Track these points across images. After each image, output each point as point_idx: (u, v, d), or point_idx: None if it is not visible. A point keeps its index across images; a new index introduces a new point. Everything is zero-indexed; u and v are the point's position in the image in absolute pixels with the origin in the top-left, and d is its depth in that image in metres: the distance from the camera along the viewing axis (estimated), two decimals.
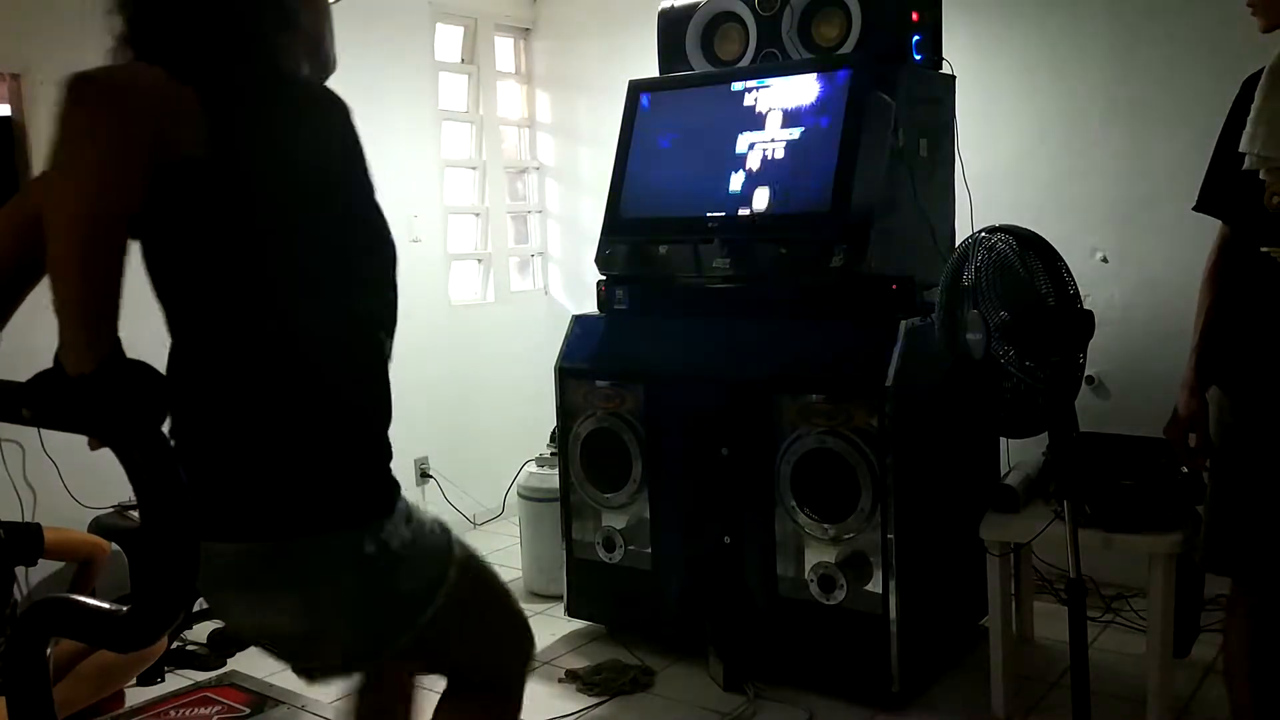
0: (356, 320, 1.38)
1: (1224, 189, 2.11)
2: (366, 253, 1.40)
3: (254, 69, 1.34)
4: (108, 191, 1.11)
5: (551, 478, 3.56)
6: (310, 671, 1.49)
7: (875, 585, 2.75)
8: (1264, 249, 2.00)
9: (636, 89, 3.36)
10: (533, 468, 3.83)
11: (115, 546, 3.07)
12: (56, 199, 1.11)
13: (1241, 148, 1.95)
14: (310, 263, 1.33)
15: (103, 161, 1.11)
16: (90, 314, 1.12)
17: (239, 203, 1.28)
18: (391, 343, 1.44)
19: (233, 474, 1.34)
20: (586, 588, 3.34)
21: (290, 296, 1.32)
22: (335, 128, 1.32)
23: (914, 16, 3.05)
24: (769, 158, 2.99)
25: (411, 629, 1.42)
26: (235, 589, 1.37)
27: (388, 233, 1.42)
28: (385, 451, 1.41)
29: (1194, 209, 2.21)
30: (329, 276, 1.34)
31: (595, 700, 2.95)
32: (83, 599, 1.34)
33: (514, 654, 1.64)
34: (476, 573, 1.55)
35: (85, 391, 1.12)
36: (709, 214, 3.05)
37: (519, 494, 3.85)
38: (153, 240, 1.31)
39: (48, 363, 1.16)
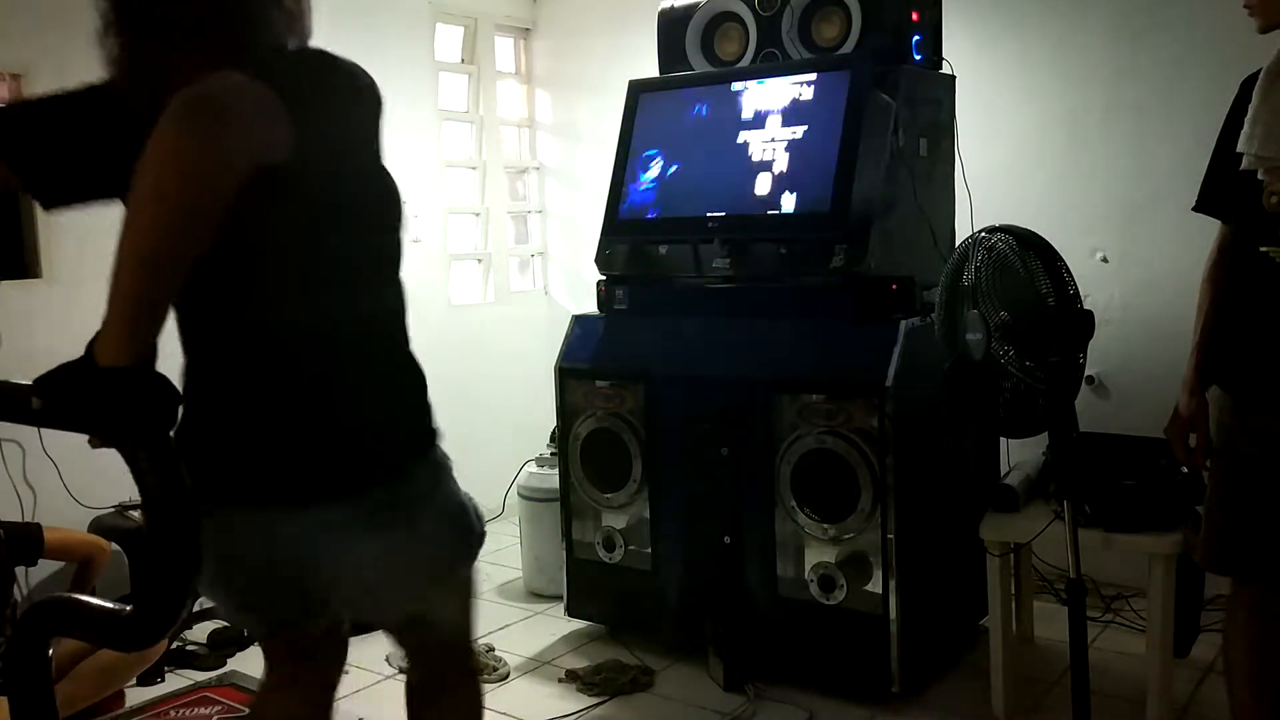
0: (375, 295, 1.48)
1: (1223, 189, 2.11)
2: (383, 233, 1.48)
3: (281, 52, 1.37)
4: (199, 211, 1.12)
5: (551, 478, 3.56)
6: (404, 605, 1.57)
7: (875, 585, 2.75)
8: (1263, 249, 2.00)
9: (636, 89, 3.36)
10: (533, 468, 3.83)
11: (115, 546, 3.07)
12: (149, 192, 1.11)
13: (1239, 148, 1.95)
14: (353, 248, 1.41)
15: (204, 182, 1.12)
16: (144, 310, 1.13)
17: (301, 201, 1.31)
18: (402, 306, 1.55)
19: (325, 441, 1.41)
20: (586, 588, 3.34)
21: (338, 279, 1.40)
22: (374, 112, 1.39)
23: (914, 16, 3.05)
24: (769, 158, 2.99)
25: (478, 550, 1.59)
26: (356, 540, 1.42)
27: (398, 206, 1.50)
28: (423, 398, 1.56)
29: (1193, 209, 2.21)
30: (370, 258, 1.45)
31: (595, 700, 2.95)
32: (85, 598, 1.34)
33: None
34: None
35: (113, 384, 1.12)
36: (709, 214, 3.05)
37: (519, 494, 3.85)
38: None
39: (48, 364, 1.16)
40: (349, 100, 1.36)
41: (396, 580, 1.49)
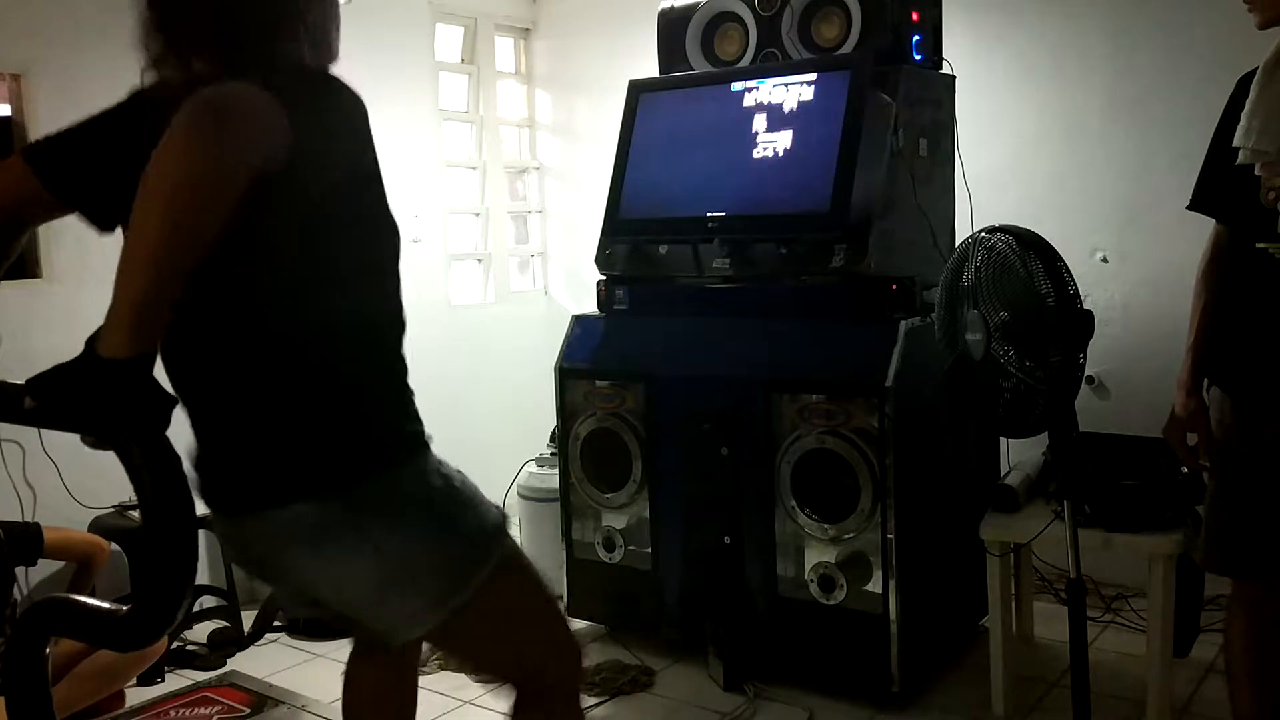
0: (372, 296, 1.47)
1: (1219, 187, 2.11)
2: (383, 243, 1.48)
3: (294, 66, 1.39)
4: (210, 211, 1.14)
5: (551, 478, 3.56)
6: (391, 626, 1.49)
7: (875, 585, 2.75)
8: (1260, 245, 2.00)
9: (636, 89, 3.36)
10: (533, 468, 3.83)
11: (115, 546, 3.07)
12: (161, 193, 1.13)
13: (1236, 141, 1.94)
14: (343, 252, 1.41)
15: (217, 184, 1.14)
16: (152, 306, 1.13)
17: (292, 207, 1.32)
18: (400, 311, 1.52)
19: (289, 440, 1.38)
20: (586, 588, 3.34)
21: (326, 277, 1.40)
22: (364, 126, 1.38)
23: (914, 16, 3.05)
24: (769, 158, 2.99)
25: (478, 574, 1.45)
26: (321, 546, 1.39)
27: (394, 222, 1.49)
28: (409, 399, 1.50)
29: (1188, 208, 2.21)
30: (357, 262, 1.43)
31: (595, 700, 2.94)
32: (83, 599, 1.35)
33: (564, 660, 1.66)
34: (526, 566, 1.61)
35: (113, 376, 1.12)
36: (709, 214, 3.05)
37: (519, 494, 3.85)
38: None
39: (48, 364, 1.15)
40: (343, 113, 1.36)
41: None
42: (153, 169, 1.13)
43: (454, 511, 1.47)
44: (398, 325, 1.50)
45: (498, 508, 1.54)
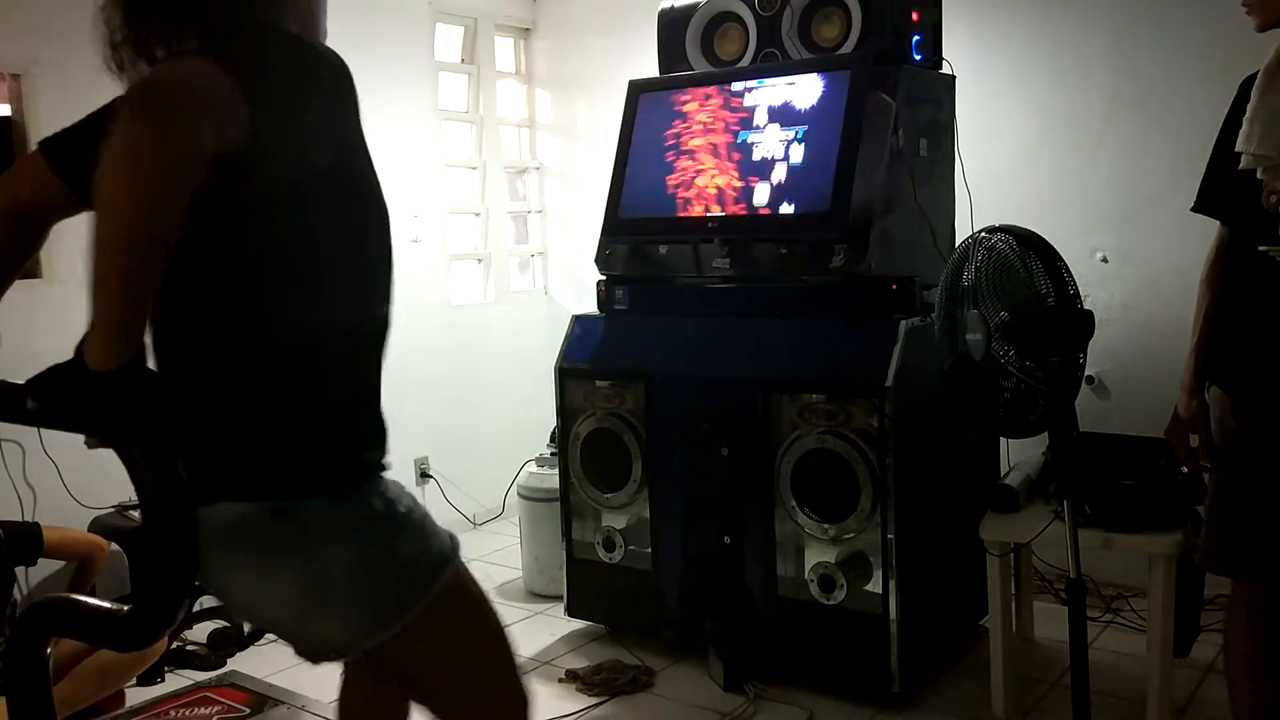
0: (352, 299, 1.40)
1: (1222, 190, 2.11)
2: (366, 234, 1.41)
3: (265, 33, 1.34)
4: (167, 199, 1.10)
5: (551, 478, 3.56)
6: (315, 648, 1.44)
7: (875, 585, 2.75)
8: (1262, 248, 2.00)
9: (636, 89, 3.36)
10: (533, 468, 3.83)
11: (115, 546, 3.07)
12: (115, 188, 1.09)
13: (1238, 146, 1.95)
14: (316, 248, 1.34)
15: (168, 169, 1.10)
16: (128, 309, 1.11)
17: (260, 191, 1.28)
18: (387, 317, 1.45)
19: (234, 438, 1.34)
20: (586, 588, 3.34)
21: (297, 275, 1.34)
22: (350, 105, 1.33)
23: (914, 16, 3.05)
24: (769, 158, 2.99)
25: (414, 606, 1.39)
26: (244, 554, 1.35)
27: (383, 208, 1.43)
28: (378, 421, 1.43)
29: (1192, 210, 2.21)
30: (333, 259, 1.36)
31: (595, 700, 2.95)
32: (83, 599, 1.34)
33: (508, 706, 1.57)
34: (477, 602, 1.53)
35: (105, 387, 1.10)
36: (709, 214, 3.05)
37: (519, 494, 3.85)
38: None
39: (48, 364, 1.15)
40: (315, 85, 1.31)
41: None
42: (106, 162, 1.08)
43: (389, 538, 1.39)
44: (378, 333, 1.43)
45: (450, 535, 1.47)
